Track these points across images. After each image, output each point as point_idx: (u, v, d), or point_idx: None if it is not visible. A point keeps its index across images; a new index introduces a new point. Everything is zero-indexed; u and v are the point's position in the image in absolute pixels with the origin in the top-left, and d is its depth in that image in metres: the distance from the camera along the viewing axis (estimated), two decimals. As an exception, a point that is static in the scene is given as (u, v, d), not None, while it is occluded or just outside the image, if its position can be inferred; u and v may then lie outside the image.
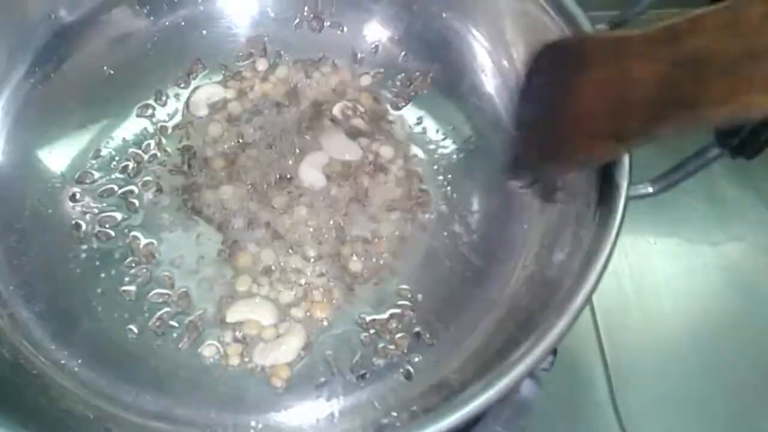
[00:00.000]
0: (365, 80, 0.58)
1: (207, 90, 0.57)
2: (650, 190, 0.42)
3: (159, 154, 0.55)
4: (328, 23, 0.60)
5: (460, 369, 0.46)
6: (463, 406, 0.37)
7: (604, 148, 0.41)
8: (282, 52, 0.59)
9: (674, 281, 0.57)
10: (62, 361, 0.47)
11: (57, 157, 0.54)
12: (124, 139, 0.55)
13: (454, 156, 0.55)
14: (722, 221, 0.59)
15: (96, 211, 0.52)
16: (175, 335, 0.48)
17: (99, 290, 0.49)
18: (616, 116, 0.39)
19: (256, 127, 0.56)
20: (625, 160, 0.42)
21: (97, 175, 0.54)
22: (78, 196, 0.53)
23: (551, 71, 0.45)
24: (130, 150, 0.55)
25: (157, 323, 0.48)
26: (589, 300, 0.40)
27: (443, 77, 0.58)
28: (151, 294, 0.50)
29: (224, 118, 0.56)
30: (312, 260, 0.51)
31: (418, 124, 0.57)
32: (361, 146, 0.55)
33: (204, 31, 0.59)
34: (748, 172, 0.62)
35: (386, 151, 0.55)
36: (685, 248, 0.58)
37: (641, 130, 0.38)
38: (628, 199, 0.41)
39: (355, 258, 0.51)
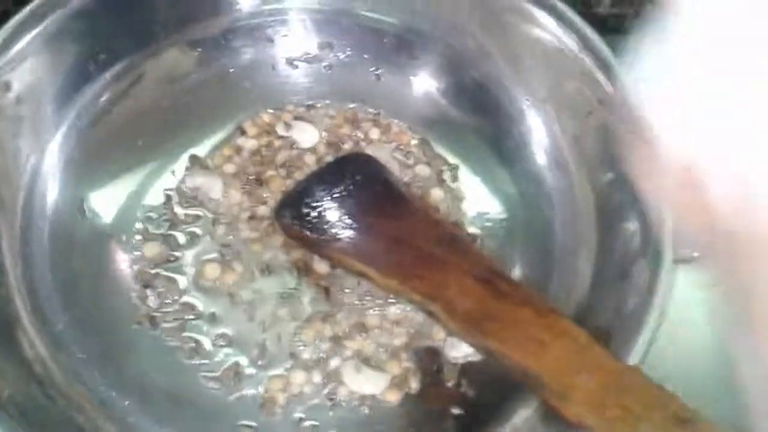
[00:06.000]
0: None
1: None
2: (695, 254, 0.42)
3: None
4: (374, 71, 0.61)
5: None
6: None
7: None
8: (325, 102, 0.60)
9: (710, 331, 0.57)
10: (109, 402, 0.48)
11: (106, 202, 0.55)
12: (169, 187, 0.56)
13: (497, 218, 0.56)
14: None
15: (144, 262, 0.53)
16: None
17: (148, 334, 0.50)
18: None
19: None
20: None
21: (142, 225, 0.54)
22: (121, 246, 0.53)
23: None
24: (178, 199, 0.56)
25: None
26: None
27: (491, 134, 0.58)
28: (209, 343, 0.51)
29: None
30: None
31: (457, 180, 0.57)
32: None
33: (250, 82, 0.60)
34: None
35: (436, 194, 0.56)
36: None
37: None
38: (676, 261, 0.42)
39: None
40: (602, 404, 0.34)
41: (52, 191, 0.53)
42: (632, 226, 0.47)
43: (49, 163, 0.53)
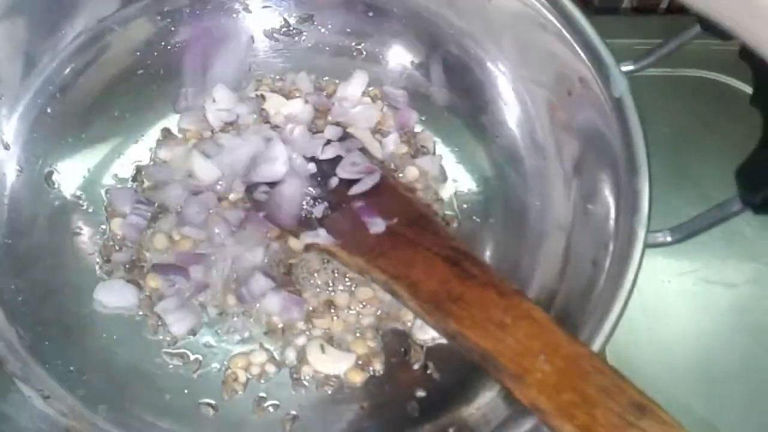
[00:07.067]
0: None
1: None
2: (668, 239, 0.41)
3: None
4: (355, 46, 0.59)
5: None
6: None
7: None
8: (302, 74, 0.59)
9: (688, 322, 0.56)
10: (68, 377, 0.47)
11: (74, 174, 0.54)
12: (139, 160, 0.55)
13: (473, 198, 0.54)
14: (739, 262, 0.58)
15: (106, 235, 0.52)
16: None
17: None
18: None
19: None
20: (645, 207, 0.41)
21: (107, 197, 0.53)
22: (87, 217, 0.52)
23: None
24: (145, 171, 0.54)
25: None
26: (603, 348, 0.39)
27: (468, 110, 0.56)
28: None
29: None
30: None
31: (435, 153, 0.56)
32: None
33: (223, 49, 0.58)
34: (769, 213, 0.60)
35: (411, 171, 0.55)
36: (701, 288, 0.57)
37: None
38: (645, 246, 0.40)
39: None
40: (557, 388, 0.33)
41: (16, 162, 0.52)
42: (606, 210, 0.45)
43: (12, 133, 0.52)
